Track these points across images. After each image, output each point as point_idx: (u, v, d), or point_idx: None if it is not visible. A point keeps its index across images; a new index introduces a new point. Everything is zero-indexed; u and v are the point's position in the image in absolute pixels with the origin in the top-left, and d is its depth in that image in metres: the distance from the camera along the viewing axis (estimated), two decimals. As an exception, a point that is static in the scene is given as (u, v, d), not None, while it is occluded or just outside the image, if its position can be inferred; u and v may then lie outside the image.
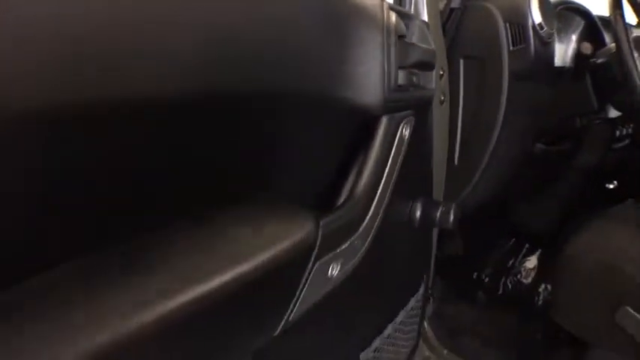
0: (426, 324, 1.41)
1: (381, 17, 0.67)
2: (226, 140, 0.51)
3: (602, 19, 1.65)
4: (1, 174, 0.34)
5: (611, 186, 2.16)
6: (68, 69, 0.34)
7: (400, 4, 0.90)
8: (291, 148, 0.61)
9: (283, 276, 0.55)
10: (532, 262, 2.02)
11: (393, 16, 0.70)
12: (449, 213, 0.94)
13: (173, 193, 0.47)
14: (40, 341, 0.34)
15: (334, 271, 0.62)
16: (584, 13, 1.64)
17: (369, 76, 0.65)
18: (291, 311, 0.58)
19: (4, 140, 0.33)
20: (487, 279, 1.92)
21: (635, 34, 1.54)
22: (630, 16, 1.59)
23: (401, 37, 0.71)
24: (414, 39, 0.78)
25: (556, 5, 1.46)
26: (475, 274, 1.92)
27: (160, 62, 0.39)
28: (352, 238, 0.65)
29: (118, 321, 0.38)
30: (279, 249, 0.51)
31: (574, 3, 1.59)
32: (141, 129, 0.41)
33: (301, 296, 0.58)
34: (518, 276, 1.99)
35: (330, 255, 0.61)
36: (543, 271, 1.94)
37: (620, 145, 1.90)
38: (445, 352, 1.42)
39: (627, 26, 1.37)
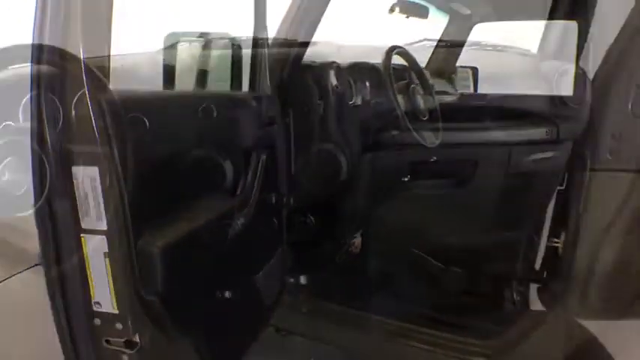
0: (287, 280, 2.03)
1: (253, 106, 1.42)
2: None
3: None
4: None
5: (406, 179, 2.67)
6: None
7: (255, 90, 1.60)
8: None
9: (228, 220, 1.29)
10: (358, 239, 2.51)
11: (254, 103, 1.45)
12: (288, 200, 1.70)
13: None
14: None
15: (241, 222, 1.35)
16: (372, 67, 2.29)
17: (249, 136, 1.40)
18: (232, 233, 1.31)
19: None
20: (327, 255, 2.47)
21: (400, 82, 2.23)
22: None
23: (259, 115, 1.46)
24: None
25: (350, 67, 2.15)
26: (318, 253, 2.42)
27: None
28: (245, 210, 1.38)
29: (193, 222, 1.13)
30: (224, 208, 1.26)
31: (364, 63, 2.29)
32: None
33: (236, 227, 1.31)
34: (350, 249, 2.49)
35: (239, 214, 1.34)
36: (366, 244, 2.51)
37: None
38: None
39: (393, 76, 2.09)
